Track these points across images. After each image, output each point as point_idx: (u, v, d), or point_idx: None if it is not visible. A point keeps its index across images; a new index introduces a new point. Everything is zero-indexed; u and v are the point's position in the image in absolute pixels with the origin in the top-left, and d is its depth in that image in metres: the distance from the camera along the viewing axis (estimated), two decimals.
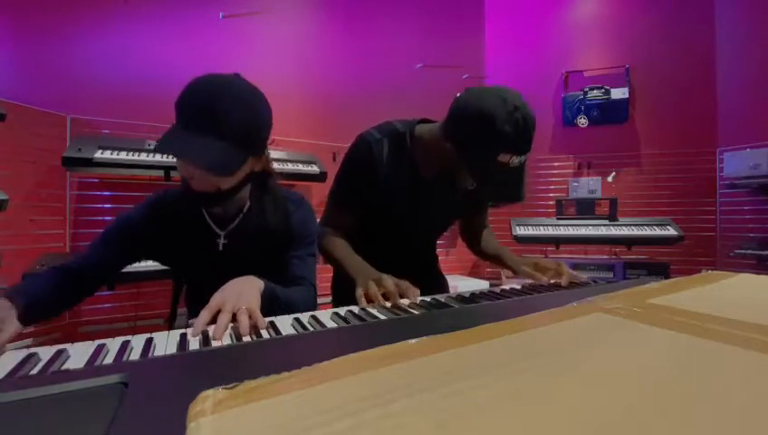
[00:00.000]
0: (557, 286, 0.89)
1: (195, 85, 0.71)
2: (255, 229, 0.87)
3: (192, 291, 0.96)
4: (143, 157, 2.07)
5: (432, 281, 1.19)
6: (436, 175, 0.98)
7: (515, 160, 0.81)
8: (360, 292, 0.79)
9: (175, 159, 0.76)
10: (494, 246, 1.19)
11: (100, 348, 0.50)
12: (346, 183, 1.00)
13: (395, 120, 1.00)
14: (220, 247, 0.86)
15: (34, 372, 0.43)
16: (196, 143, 0.68)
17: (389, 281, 0.78)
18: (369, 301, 0.77)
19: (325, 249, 1.01)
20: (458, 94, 0.86)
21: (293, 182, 2.59)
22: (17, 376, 0.40)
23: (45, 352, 0.48)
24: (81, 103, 2.21)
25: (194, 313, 0.75)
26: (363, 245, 1.02)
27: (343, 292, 0.87)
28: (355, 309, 0.72)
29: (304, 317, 0.66)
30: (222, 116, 0.69)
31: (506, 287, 0.93)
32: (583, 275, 0.99)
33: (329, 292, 1.14)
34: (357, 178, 0.97)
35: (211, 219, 0.86)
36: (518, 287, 0.92)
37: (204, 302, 0.62)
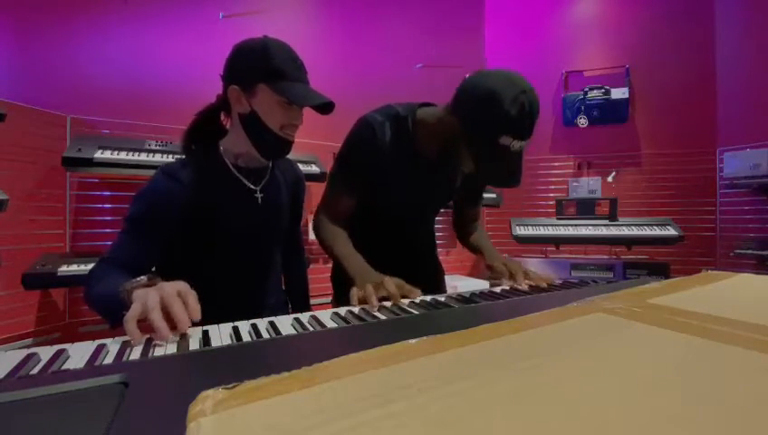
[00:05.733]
0: (557, 286, 0.89)
1: (281, 45, 0.85)
2: (278, 183, 1.00)
3: (219, 261, 0.93)
4: (143, 157, 2.07)
5: (428, 270, 1.19)
6: (436, 157, 0.98)
7: (516, 145, 0.81)
8: (353, 292, 0.79)
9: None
10: (481, 240, 1.21)
11: (100, 348, 0.50)
12: (347, 165, 0.99)
13: (395, 104, 1.00)
14: (259, 201, 0.94)
15: (34, 372, 0.43)
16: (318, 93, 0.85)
17: (392, 284, 0.78)
18: (363, 303, 0.77)
19: (324, 241, 1.00)
20: (467, 75, 0.87)
21: None
22: (17, 376, 0.40)
23: (45, 352, 0.48)
24: (81, 103, 2.20)
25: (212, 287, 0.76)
26: (361, 226, 1.02)
27: (344, 286, 0.87)
28: (355, 309, 0.72)
29: (304, 317, 0.66)
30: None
31: (506, 287, 0.93)
32: (549, 277, 0.98)
33: (328, 292, 1.14)
34: (359, 160, 0.97)
35: (242, 177, 0.92)
36: (522, 287, 0.92)
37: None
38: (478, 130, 0.82)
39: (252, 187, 0.93)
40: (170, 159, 2.11)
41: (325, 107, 0.85)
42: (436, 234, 1.25)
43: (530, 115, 0.79)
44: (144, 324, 0.56)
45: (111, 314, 0.66)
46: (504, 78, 0.79)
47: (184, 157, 0.90)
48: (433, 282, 1.19)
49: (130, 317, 0.55)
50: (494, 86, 0.78)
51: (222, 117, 0.93)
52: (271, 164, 0.98)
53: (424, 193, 1.05)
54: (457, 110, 0.85)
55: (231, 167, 0.91)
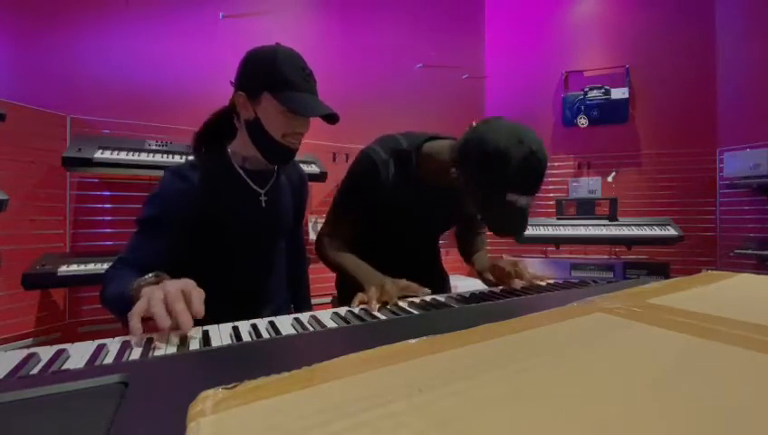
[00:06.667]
0: (557, 286, 0.89)
1: (290, 54, 0.84)
2: (283, 186, 1.01)
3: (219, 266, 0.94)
4: (143, 157, 2.07)
5: (433, 279, 1.20)
6: (439, 189, 0.97)
7: (522, 201, 0.79)
8: (358, 296, 0.80)
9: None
10: (476, 249, 1.20)
11: (100, 348, 0.50)
12: (350, 199, 1.01)
13: (399, 135, 1.00)
14: (263, 205, 0.94)
15: (34, 371, 0.43)
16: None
17: (393, 287, 0.78)
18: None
19: (329, 259, 1.02)
20: (473, 123, 0.84)
21: None
22: (17, 376, 0.40)
23: (45, 352, 0.48)
24: (81, 103, 2.20)
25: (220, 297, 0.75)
26: (363, 246, 1.03)
27: (348, 290, 0.88)
28: (355, 309, 0.72)
29: (304, 317, 0.66)
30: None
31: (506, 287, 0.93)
32: (544, 277, 0.98)
33: (328, 292, 1.14)
34: (361, 196, 0.99)
35: (249, 179, 0.92)
36: (518, 288, 0.92)
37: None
38: (484, 187, 0.80)
39: (257, 189, 0.93)
40: (170, 158, 2.12)
41: (328, 117, 0.85)
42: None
43: (538, 174, 0.77)
44: (148, 324, 0.56)
45: (123, 314, 0.67)
46: (513, 135, 0.76)
47: (192, 158, 0.91)
48: (438, 288, 1.19)
49: (135, 313, 0.56)
50: (502, 145, 0.75)
51: (234, 119, 0.94)
52: (276, 167, 0.99)
53: (428, 220, 1.06)
54: (463, 163, 0.82)
55: (238, 169, 0.91)
